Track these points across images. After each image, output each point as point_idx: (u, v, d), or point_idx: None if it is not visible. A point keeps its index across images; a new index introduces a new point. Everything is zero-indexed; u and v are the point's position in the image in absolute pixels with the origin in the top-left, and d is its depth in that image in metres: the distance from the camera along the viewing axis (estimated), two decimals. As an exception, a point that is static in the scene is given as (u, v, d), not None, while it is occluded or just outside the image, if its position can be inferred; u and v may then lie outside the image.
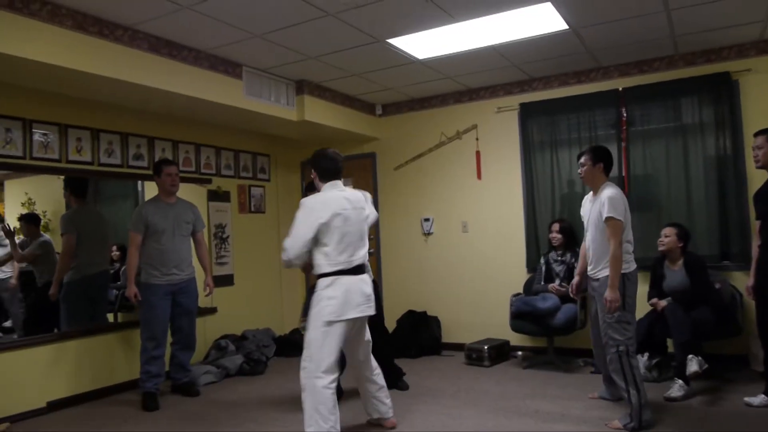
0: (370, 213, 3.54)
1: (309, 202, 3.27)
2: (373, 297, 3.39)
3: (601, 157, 3.73)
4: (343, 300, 3.17)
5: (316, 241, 3.23)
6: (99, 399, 4.63)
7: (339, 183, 3.40)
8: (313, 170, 3.45)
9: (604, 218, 3.52)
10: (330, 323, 3.15)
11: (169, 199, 4.63)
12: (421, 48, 4.60)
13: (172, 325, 4.65)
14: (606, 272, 3.54)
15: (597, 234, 3.67)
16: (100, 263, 5.06)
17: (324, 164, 3.40)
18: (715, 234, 4.85)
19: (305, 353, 3.21)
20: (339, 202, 3.27)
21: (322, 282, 3.24)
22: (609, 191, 3.59)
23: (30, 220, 4.84)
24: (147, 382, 4.40)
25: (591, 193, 3.85)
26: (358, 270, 3.30)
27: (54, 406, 4.35)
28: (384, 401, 3.62)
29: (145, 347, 4.45)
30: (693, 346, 4.01)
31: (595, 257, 3.70)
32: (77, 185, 4.90)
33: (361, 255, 3.35)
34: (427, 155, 6.19)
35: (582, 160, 3.79)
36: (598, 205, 3.61)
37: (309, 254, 3.27)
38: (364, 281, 3.33)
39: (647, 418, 3.44)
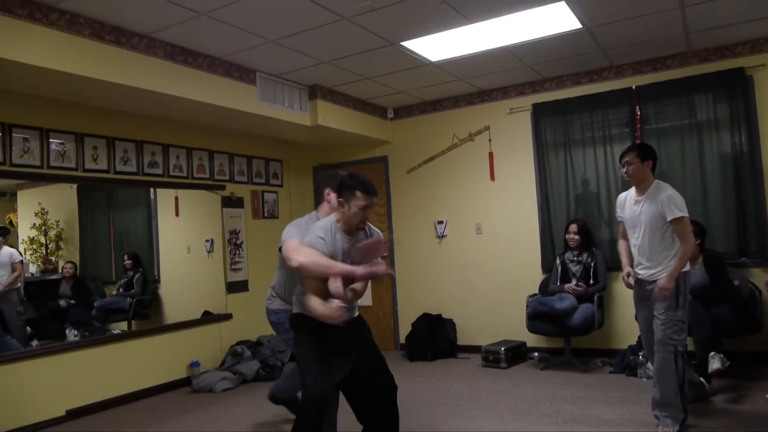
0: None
1: None
2: None
3: (649, 154, 3.53)
4: None
5: None
6: (117, 407, 4.63)
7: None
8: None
9: (672, 218, 3.34)
10: None
11: None
12: (434, 50, 4.61)
13: None
14: (664, 274, 3.39)
15: (654, 236, 3.45)
16: None
17: None
18: (732, 231, 4.81)
19: None
20: None
21: None
22: (668, 190, 3.44)
23: None
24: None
25: (631, 192, 3.63)
26: None
27: (72, 414, 4.36)
28: None
29: None
30: (714, 343, 3.99)
31: (653, 260, 3.48)
32: None
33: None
34: (439, 158, 6.19)
35: (628, 158, 3.53)
36: (657, 206, 3.41)
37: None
38: None
39: (689, 422, 3.39)
